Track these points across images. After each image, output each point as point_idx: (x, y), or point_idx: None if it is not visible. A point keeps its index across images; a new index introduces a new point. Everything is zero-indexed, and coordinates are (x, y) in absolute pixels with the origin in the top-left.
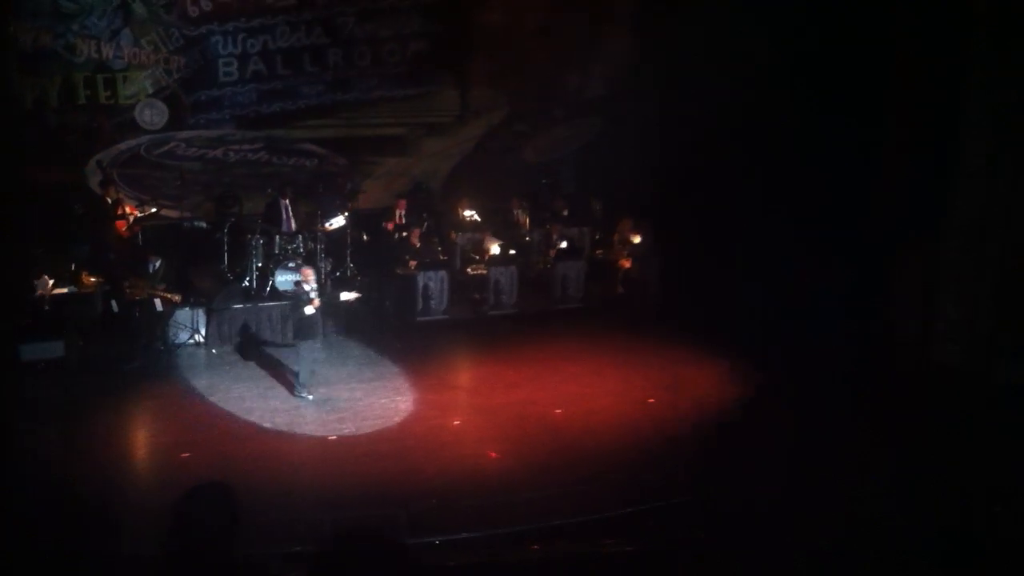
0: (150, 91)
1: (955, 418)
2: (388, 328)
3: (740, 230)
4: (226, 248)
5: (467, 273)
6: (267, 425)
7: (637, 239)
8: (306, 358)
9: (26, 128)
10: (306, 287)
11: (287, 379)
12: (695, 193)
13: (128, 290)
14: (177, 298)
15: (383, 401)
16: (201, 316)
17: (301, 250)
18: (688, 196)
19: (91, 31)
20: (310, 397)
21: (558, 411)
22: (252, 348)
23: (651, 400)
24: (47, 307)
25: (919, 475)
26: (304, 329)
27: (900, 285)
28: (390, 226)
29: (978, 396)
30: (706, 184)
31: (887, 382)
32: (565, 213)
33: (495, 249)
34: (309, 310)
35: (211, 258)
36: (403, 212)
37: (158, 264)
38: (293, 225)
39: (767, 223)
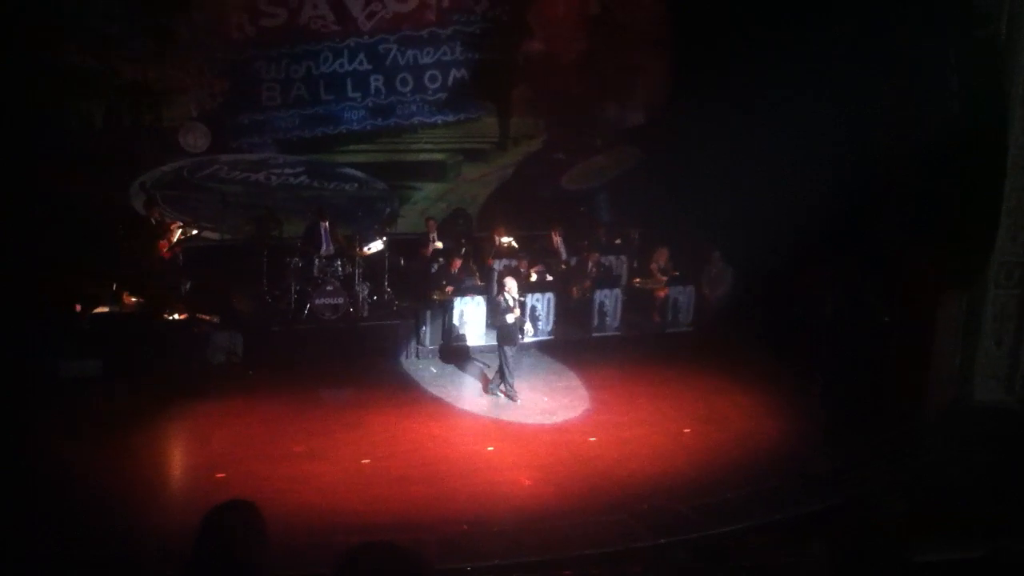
0: (193, 114)
1: (994, 454)
2: (423, 354)
3: (781, 263)
4: (265, 270)
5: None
6: (299, 449)
7: (672, 271)
8: (506, 362)
9: (70, 150)
10: (508, 297)
11: (323, 401)
12: (734, 224)
13: (168, 311)
14: (215, 319)
15: (416, 426)
16: (239, 337)
17: (340, 273)
18: (728, 226)
19: (135, 54)
20: (518, 401)
21: (592, 439)
22: (290, 370)
23: (687, 431)
24: (88, 325)
25: (956, 511)
26: (504, 336)
27: (942, 322)
28: (428, 251)
29: (1018, 433)
30: (745, 215)
31: (927, 418)
32: (603, 240)
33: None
34: (510, 318)
35: (250, 280)
36: (435, 234)
37: (188, 286)
38: (331, 248)
39: (808, 258)
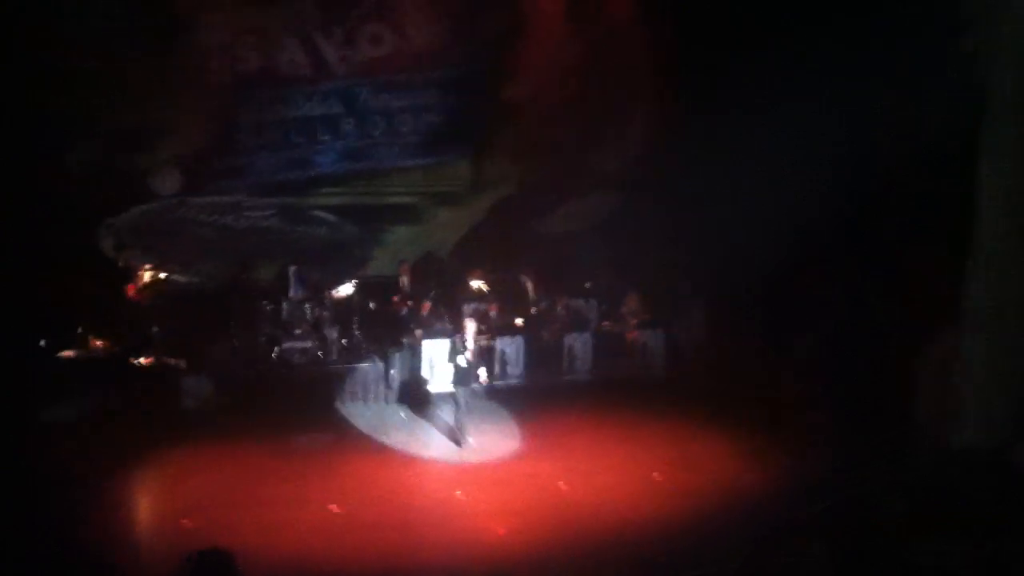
0: (168, 157)
1: (971, 500)
2: (392, 398)
3: (758, 308)
4: (234, 314)
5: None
6: (272, 494)
7: (643, 314)
8: (459, 405)
9: (41, 192)
10: (461, 340)
11: (292, 446)
12: (709, 267)
13: (135, 355)
14: (181, 363)
15: (386, 472)
16: (207, 382)
17: (309, 317)
18: (703, 270)
19: (111, 96)
20: (469, 440)
21: (562, 484)
22: (259, 415)
23: (656, 475)
24: (58, 368)
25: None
26: (457, 378)
27: (919, 367)
28: (398, 298)
29: (994, 479)
30: (723, 259)
31: (901, 462)
32: (587, 286)
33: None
34: (461, 360)
35: (219, 323)
36: (408, 278)
37: (156, 329)
38: (301, 292)
39: (783, 302)
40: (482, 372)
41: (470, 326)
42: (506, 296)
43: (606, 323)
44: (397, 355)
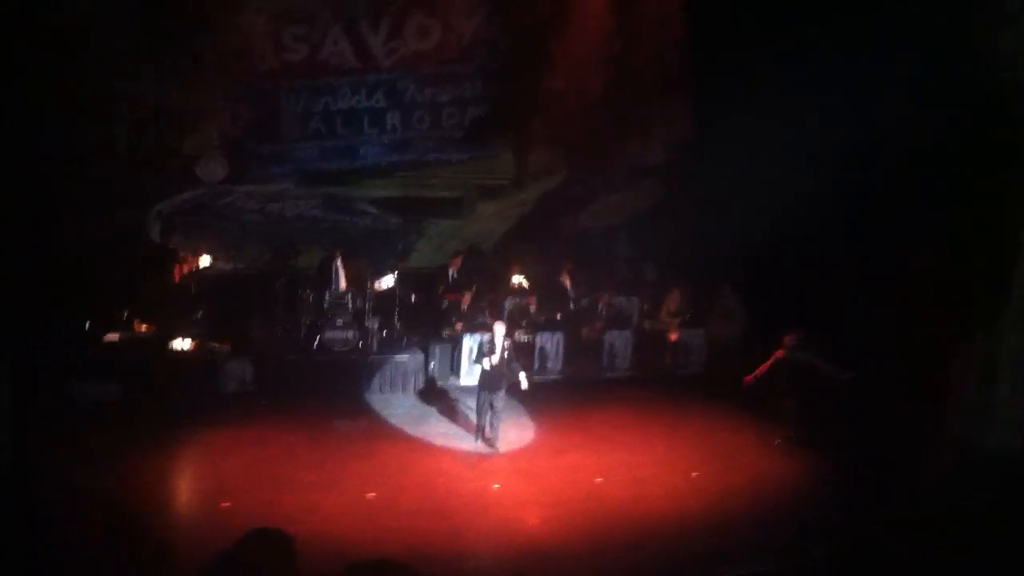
0: (215, 143)
1: (1009, 502)
2: (432, 389)
3: (797, 305)
4: (279, 301)
5: (514, 338)
6: (311, 478)
7: (685, 314)
8: (481, 408)
9: (90, 174)
10: (496, 342)
11: (332, 433)
12: (752, 263)
13: (179, 338)
14: (226, 347)
15: (426, 460)
16: (249, 366)
17: (350, 307)
18: (744, 266)
19: (159, 77)
20: (478, 442)
21: (599, 479)
22: (303, 400)
23: (695, 473)
24: (102, 351)
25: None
26: (482, 379)
27: (958, 368)
28: (440, 291)
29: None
30: (765, 256)
31: (941, 463)
32: (621, 276)
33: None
34: (486, 363)
35: (263, 310)
36: (455, 270)
37: (200, 314)
38: (343, 284)
39: (823, 301)
40: (519, 367)
41: (497, 328)
42: (547, 291)
43: (646, 321)
44: (437, 347)
